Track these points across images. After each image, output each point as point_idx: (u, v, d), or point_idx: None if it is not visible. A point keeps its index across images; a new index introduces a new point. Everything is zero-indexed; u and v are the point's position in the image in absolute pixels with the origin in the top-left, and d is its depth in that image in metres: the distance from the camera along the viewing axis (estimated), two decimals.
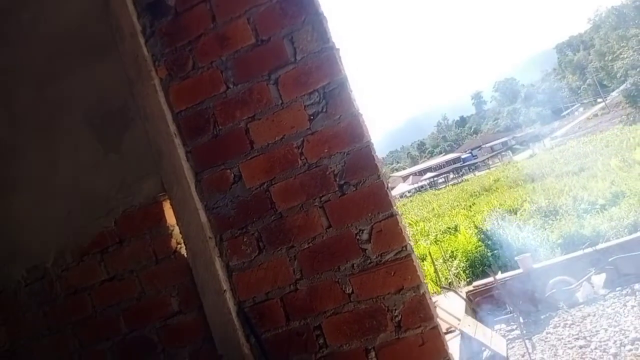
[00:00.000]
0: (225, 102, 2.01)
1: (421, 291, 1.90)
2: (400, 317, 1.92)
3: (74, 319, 2.06)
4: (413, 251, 1.96)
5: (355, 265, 1.97)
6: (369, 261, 1.95)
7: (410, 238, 1.95)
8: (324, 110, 1.92)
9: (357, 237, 1.96)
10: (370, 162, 1.90)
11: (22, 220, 2.10)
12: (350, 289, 1.97)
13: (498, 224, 11.48)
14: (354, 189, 1.91)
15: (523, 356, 4.36)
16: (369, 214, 1.91)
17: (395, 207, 1.92)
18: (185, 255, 1.90)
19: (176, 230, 1.94)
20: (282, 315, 1.96)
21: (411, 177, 68.00)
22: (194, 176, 1.95)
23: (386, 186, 1.93)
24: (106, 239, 2.00)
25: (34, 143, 2.08)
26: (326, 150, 1.93)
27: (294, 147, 1.95)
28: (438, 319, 1.94)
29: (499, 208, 13.21)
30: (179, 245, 1.94)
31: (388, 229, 1.92)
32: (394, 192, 53.57)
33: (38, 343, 2.13)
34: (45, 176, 2.07)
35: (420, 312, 1.89)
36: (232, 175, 1.97)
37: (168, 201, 1.93)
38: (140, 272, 1.97)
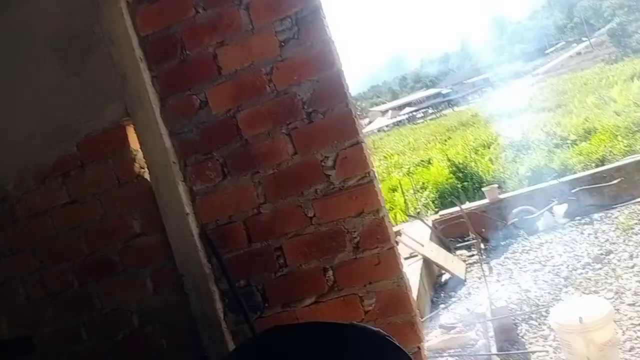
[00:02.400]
0: (194, 27, 1.99)
1: (380, 214, 2.00)
2: (359, 238, 2.03)
3: (35, 240, 2.11)
4: (376, 177, 2.04)
5: (318, 190, 2.04)
6: (332, 186, 2.03)
7: (374, 164, 2.03)
8: (296, 36, 1.92)
9: (322, 163, 2.02)
10: (340, 89, 1.93)
11: None
12: (313, 213, 2.05)
13: (470, 157, 11.71)
14: (322, 116, 1.95)
15: (480, 279, 4.62)
16: (335, 142, 1.96)
17: (361, 135, 1.98)
18: (149, 180, 1.94)
19: (140, 155, 1.97)
20: (244, 237, 2.04)
21: (390, 111, 67.85)
22: (159, 101, 1.96)
23: (354, 114, 1.98)
24: (68, 162, 2.02)
25: None
26: (295, 78, 1.95)
27: (263, 74, 1.96)
28: (395, 241, 2.05)
29: (473, 142, 13.40)
30: (142, 170, 1.97)
31: (353, 156, 1.99)
32: (372, 127, 53.60)
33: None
34: (6, 99, 2.05)
35: (378, 234, 2.00)
36: (199, 101, 1.99)
37: (132, 126, 1.95)
38: (102, 196, 2.01)
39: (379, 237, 1.99)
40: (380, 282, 2.03)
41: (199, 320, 1.97)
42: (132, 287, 2.04)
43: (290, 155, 1.99)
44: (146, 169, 1.95)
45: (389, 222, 2.04)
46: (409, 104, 69.29)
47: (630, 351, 3.32)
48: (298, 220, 2.06)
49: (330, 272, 2.08)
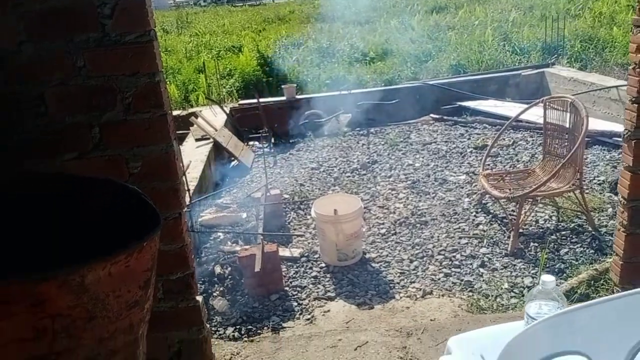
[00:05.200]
0: None
1: (156, 79, 1.93)
2: (131, 99, 1.94)
3: None
4: (156, 39, 1.94)
5: (91, 39, 1.87)
6: (107, 38, 1.87)
7: (155, 24, 1.91)
8: None
9: (99, 9, 1.84)
10: None
11: None
12: (82, 63, 1.89)
13: (280, 54, 11.78)
14: None
15: (264, 168, 4.87)
16: None
17: None
18: None
19: None
20: None
21: None
22: None
23: None
24: None
25: None
26: None
27: None
28: (169, 109, 2.02)
29: (285, 39, 13.43)
30: None
31: (133, 9, 1.85)
32: None
33: None
34: None
35: (152, 99, 1.94)
36: None
37: None
38: None
39: (153, 101, 1.94)
40: (148, 147, 2.00)
41: None
42: None
43: None
44: None
45: (166, 89, 1.98)
46: None
47: (371, 244, 3.89)
48: (65, 69, 1.88)
49: (97, 129, 1.98)
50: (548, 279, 1.31)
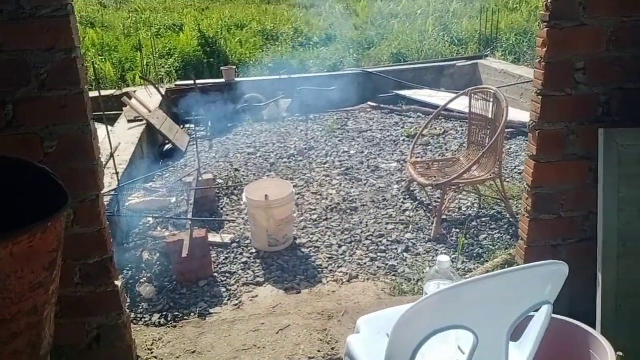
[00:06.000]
0: None
1: (73, 55, 1.89)
2: (46, 76, 1.89)
3: None
4: (73, 13, 1.88)
5: (5, 12, 1.80)
6: (21, 11, 1.81)
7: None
8: None
9: None
10: None
11: None
12: None
13: (222, 35, 11.58)
14: None
15: (199, 153, 4.81)
16: None
17: None
18: None
19: None
20: None
21: None
22: None
23: None
24: None
25: None
26: None
27: None
28: (86, 87, 1.97)
29: (229, 20, 13.19)
30: None
31: None
32: None
33: None
34: None
35: (68, 75, 1.90)
36: None
37: None
38: None
39: (69, 78, 1.89)
40: (65, 125, 1.95)
41: None
42: None
43: None
44: None
45: (83, 66, 1.94)
46: None
47: (302, 230, 3.94)
48: None
49: (10, 107, 1.92)
50: (443, 259, 1.40)
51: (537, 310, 1.36)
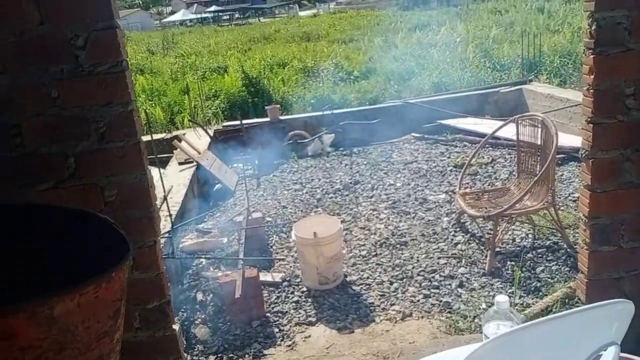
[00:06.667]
0: None
1: (129, 108, 1.97)
2: (104, 129, 1.98)
3: None
4: (128, 68, 1.98)
5: (65, 70, 1.92)
6: (80, 69, 1.91)
7: (127, 54, 1.96)
8: None
9: (72, 41, 1.88)
10: None
11: None
12: (57, 94, 1.92)
13: (265, 74, 11.90)
14: None
15: (248, 191, 4.90)
16: (88, 20, 1.85)
17: (116, 20, 1.88)
18: None
19: None
20: None
21: (196, 5, 64.34)
22: None
23: None
24: None
25: None
26: None
27: None
28: (141, 137, 2.05)
29: (270, 59, 13.57)
30: None
31: (105, 40, 1.89)
32: (175, 17, 50.34)
33: None
34: None
35: (125, 127, 1.98)
36: None
37: None
38: None
39: (126, 130, 1.98)
40: (123, 175, 2.03)
41: None
42: None
43: (35, 25, 1.82)
44: None
45: (138, 117, 2.02)
46: (216, 1, 66.71)
47: (352, 266, 3.91)
48: (40, 100, 1.92)
49: (72, 159, 2.01)
50: (502, 299, 1.36)
51: (603, 352, 1.29)
